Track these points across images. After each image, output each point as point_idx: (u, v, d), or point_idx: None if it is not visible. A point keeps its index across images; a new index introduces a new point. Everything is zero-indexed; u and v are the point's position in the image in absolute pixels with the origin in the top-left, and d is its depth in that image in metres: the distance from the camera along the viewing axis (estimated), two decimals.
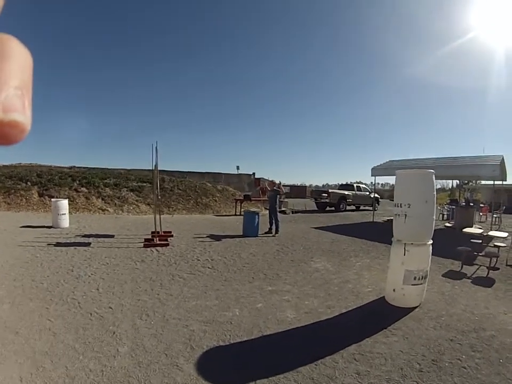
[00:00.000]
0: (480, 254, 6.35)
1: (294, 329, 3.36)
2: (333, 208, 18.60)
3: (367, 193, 20.17)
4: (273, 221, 8.99)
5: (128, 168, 17.12)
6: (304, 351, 2.92)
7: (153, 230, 8.09)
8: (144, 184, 14.54)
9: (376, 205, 19.63)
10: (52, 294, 4.07)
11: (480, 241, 6.61)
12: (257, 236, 8.72)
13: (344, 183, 21.41)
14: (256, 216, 8.79)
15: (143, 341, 2.98)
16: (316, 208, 19.42)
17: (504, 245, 6.82)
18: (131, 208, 12.83)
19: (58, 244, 6.88)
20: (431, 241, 4.07)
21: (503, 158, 11.35)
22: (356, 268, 5.79)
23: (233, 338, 3.12)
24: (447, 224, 13.41)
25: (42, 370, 2.45)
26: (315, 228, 11.19)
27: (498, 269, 6.03)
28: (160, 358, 2.71)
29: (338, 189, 20.31)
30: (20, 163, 15.72)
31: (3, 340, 2.87)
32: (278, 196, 9.32)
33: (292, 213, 16.35)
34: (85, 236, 7.92)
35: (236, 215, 13.74)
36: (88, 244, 6.96)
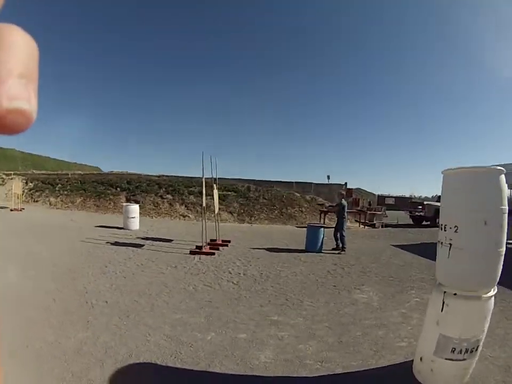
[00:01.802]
0: None
1: (246, 378, 2.70)
2: (429, 223, 16.78)
3: None
4: (339, 236, 8.23)
5: (214, 177, 18.02)
6: None
7: (212, 238, 8.20)
8: (229, 192, 15.18)
9: None
10: (73, 279, 5.00)
11: None
12: (320, 252, 8.00)
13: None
14: (320, 230, 8.15)
15: None
16: (412, 222, 17.93)
17: None
18: (212, 216, 13.31)
19: (116, 243, 7.67)
20: (492, 292, 2.65)
21: None
22: (407, 307, 4.47)
23: (175, 363, 2.82)
24: None
25: None
26: (395, 245, 9.95)
27: None
28: None
29: (436, 201, 17.62)
30: (112, 171, 18.18)
31: None
32: (345, 209, 8.45)
33: (382, 226, 15.46)
34: (146, 238, 8.61)
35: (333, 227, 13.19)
36: (141, 246, 7.54)
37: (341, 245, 8.19)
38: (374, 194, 30.62)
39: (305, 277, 5.76)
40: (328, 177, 21.11)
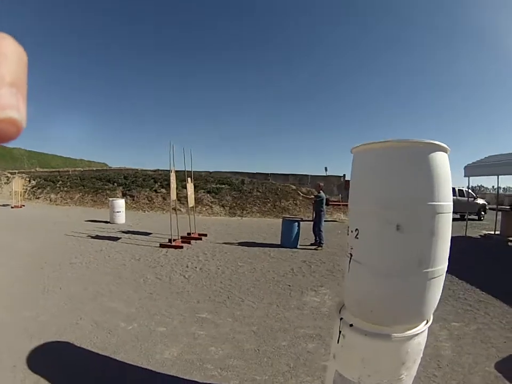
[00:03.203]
0: None
1: (136, 369, 2.95)
2: None
3: (471, 199, 16.88)
4: (317, 231, 8.30)
5: (210, 170, 18.48)
6: None
7: (189, 232, 8.70)
8: (223, 186, 15.67)
9: (482, 213, 17.82)
10: (41, 268, 5.72)
11: None
12: (296, 248, 8.22)
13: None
14: (295, 225, 8.25)
15: None
16: None
17: None
18: (204, 209, 14.03)
19: (96, 236, 8.38)
20: (413, 331, 1.95)
21: None
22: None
23: (87, 345, 3.25)
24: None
25: None
26: None
27: None
28: None
29: None
30: (111, 167, 18.95)
31: None
32: (323, 202, 8.43)
33: None
34: (126, 232, 9.31)
35: (311, 220, 13.31)
36: (117, 239, 8.21)
37: (318, 241, 8.29)
38: None
39: (263, 274, 5.99)
40: (326, 168, 20.81)
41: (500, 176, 11.79)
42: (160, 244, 7.64)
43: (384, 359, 1.98)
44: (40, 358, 3.02)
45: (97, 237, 8.19)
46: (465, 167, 11.89)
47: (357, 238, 2.00)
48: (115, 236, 8.42)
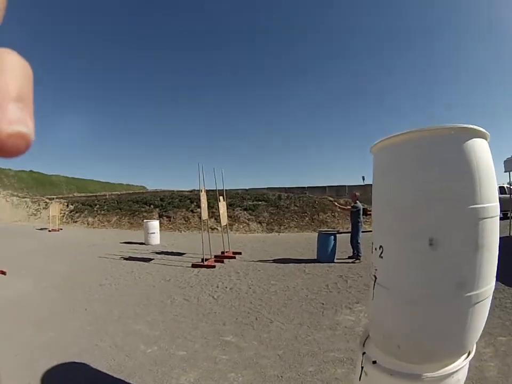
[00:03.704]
0: None
1: None
2: None
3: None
4: (354, 243, 7.89)
5: (246, 188, 18.45)
6: None
7: (223, 250, 8.60)
8: (260, 202, 15.56)
9: None
10: (73, 289, 5.88)
11: None
12: (333, 262, 7.80)
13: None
14: (331, 238, 7.90)
15: None
16: None
17: None
18: (241, 226, 13.98)
19: (129, 258, 8.52)
20: (451, 369, 1.60)
21: None
22: None
23: (104, 367, 3.19)
24: None
25: None
26: None
27: None
28: None
29: None
30: (147, 189, 19.45)
31: None
32: (360, 212, 8.01)
33: None
34: (160, 252, 9.39)
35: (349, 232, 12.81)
36: (150, 260, 8.28)
37: (356, 253, 7.88)
38: None
39: (296, 292, 5.70)
40: (363, 178, 20.20)
41: None
42: (192, 264, 7.55)
43: None
44: (54, 378, 3.05)
45: (130, 259, 8.30)
46: (505, 161, 11.08)
47: (381, 257, 1.68)
48: (148, 257, 8.49)
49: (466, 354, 1.70)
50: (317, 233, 8.47)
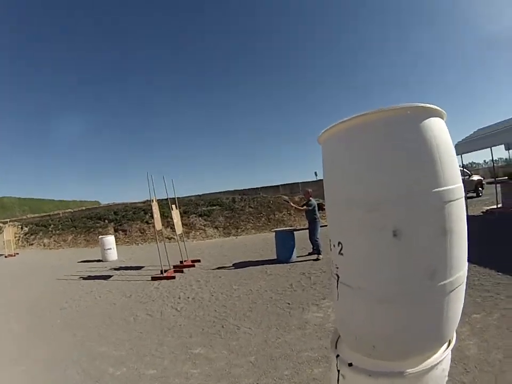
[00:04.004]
0: None
1: None
2: None
3: (467, 177, 16.74)
4: (314, 241, 8.02)
5: (200, 193, 18.51)
6: None
7: (181, 259, 8.61)
8: (214, 207, 15.72)
9: (480, 189, 17.49)
10: (35, 316, 5.64)
11: None
12: (292, 261, 7.97)
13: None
14: (289, 236, 8.03)
15: None
16: None
17: None
18: (197, 233, 14.02)
19: (88, 277, 8.25)
20: (431, 362, 1.49)
21: None
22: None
23: None
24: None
25: None
26: None
27: None
28: None
29: None
30: (100, 204, 18.96)
31: None
32: (315, 209, 8.13)
33: None
34: (118, 268, 9.19)
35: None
36: (109, 277, 8.08)
37: (316, 249, 7.96)
38: None
39: (260, 295, 5.80)
40: (316, 173, 20.79)
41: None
42: (151, 277, 7.52)
43: None
44: None
45: (88, 278, 8.08)
46: (456, 145, 11.36)
47: (341, 254, 1.53)
48: (106, 274, 8.31)
49: (447, 344, 1.63)
50: (274, 233, 8.54)
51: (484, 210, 11.83)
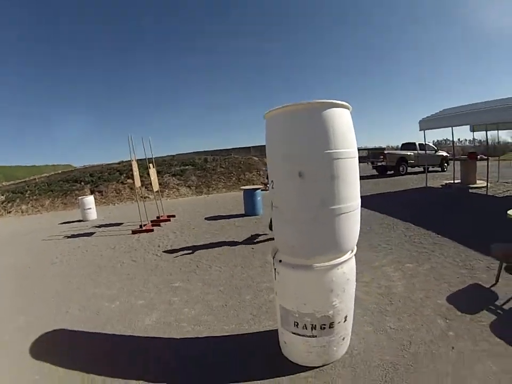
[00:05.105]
0: None
1: (127, 338, 3.18)
2: (392, 172, 17.13)
3: (433, 152, 17.60)
4: None
5: (173, 154, 18.63)
6: None
7: (158, 215, 9.01)
8: (187, 167, 15.95)
9: (445, 165, 18.00)
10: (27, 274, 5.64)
11: None
12: (258, 216, 8.71)
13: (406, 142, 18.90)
14: (256, 193, 8.76)
15: None
16: (376, 173, 18.10)
17: None
18: (171, 192, 14.37)
19: (72, 236, 8.40)
20: (335, 261, 2.20)
21: None
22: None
23: (81, 327, 3.47)
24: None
25: None
26: None
27: None
28: None
29: (400, 149, 18.68)
30: (76, 167, 18.63)
31: None
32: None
33: None
34: (99, 226, 9.45)
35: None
36: (92, 234, 8.37)
37: None
38: None
39: (230, 241, 6.44)
40: None
41: (459, 128, 12.20)
42: (132, 231, 7.94)
43: (311, 287, 2.19)
44: (48, 343, 3.21)
45: (73, 236, 8.28)
46: (420, 121, 11.93)
47: (273, 188, 2.25)
48: (89, 232, 8.57)
49: (349, 253, 2.30)
50: (243, 191, 9.21)
51: (443, 184, 12.43)
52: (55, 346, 3.15)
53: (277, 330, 2.68)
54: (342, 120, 2.10)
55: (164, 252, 6.14)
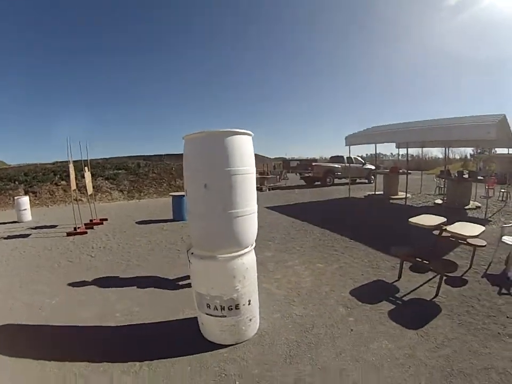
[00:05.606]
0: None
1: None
2: (319, 183, 18.14)
3: (360, 165, 18.92)
4: None
5: (107, 157, 18.67)
6: None
7: (91, 218, 9.55)
8: (120, 171, 16.21)
9: (372, 177, 18.72)
10: None
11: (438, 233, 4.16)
12: (185, 221, 9.20)
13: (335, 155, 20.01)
14: (183, 199, 9.11)
15: None
16: (304, 183, 18.93)
17: (483, 243, 4.25)
18: (104, 196, 14.70)
19: (8, 237, 8.52)
20: (233, 253, 2.69)
21: (504, 117, 8.53)
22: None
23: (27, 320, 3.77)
24: (438, 201, 11.41)
25: None
26: (268, 207, 11.46)
27: (466, 282, 4.00)
28: None
29: (329, 161, 19.58)
30: (10, 165, 17.84)
31: None
32: None
33: (268, 190, 16.54)
34: (35, 227, 9.65)
35: None
36: (28, 235, 8.62)
37: None
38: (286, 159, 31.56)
39: (157, 244, 7.15)
40: None
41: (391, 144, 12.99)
42: (66, 233, 8.45)
43: (217, 274, 2.67)
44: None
45: (8, 237, 8.38)
46: (346, 137, 12.51)
47: (187, 196, 2.75)
48: (25, 233, 8.76)
49: (249, 247, 2.80)
50: (171, 197, 10.01)
51: (366, 194, 13.51)
52: (5, 341, 3.23)
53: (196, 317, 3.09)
54: (240, 144, 2.58)
55: (98, 253, 6.80)
